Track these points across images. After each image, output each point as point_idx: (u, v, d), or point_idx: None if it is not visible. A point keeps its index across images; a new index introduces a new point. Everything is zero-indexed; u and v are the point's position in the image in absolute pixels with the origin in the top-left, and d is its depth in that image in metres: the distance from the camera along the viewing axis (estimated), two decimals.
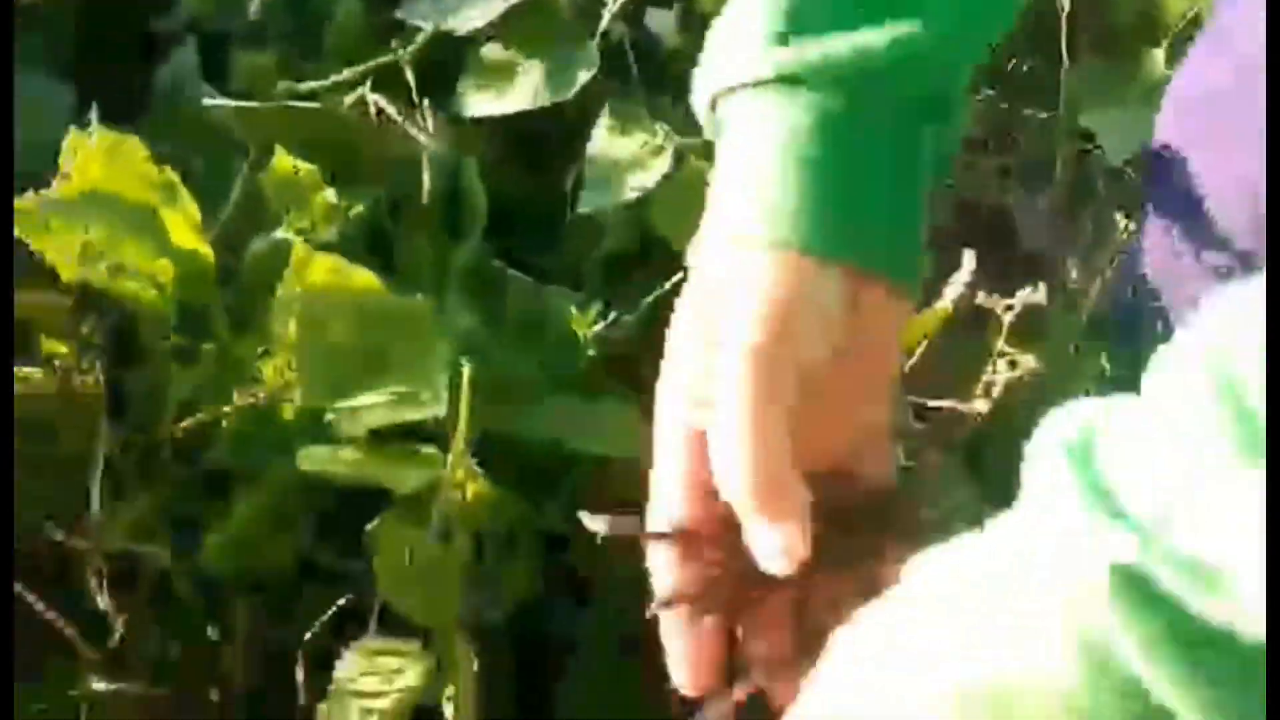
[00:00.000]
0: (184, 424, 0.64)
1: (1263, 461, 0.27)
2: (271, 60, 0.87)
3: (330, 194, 0.70)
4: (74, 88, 0.92)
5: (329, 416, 0.62)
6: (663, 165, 0.80)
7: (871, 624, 0.40)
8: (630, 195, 0.79)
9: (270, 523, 0.64)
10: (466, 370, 0.58)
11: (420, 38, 0.86)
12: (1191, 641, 0.30)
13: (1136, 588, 0.30)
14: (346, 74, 0.84)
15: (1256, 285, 0.28)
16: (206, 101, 0.78)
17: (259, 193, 0.71)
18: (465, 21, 0.85)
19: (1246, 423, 0.27)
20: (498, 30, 0.86)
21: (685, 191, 0.77)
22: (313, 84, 0.84)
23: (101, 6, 1.01)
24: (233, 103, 0.78)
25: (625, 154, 0.81)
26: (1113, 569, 0.30)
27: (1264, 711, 0.29)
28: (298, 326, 0.61)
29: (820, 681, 0.41)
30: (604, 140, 0.82)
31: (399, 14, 0.87)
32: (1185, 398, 0.29)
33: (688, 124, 0.64)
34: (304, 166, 0.69)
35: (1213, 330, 0.30)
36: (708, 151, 0.58)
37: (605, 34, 0.86)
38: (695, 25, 0.92)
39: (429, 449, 0.62)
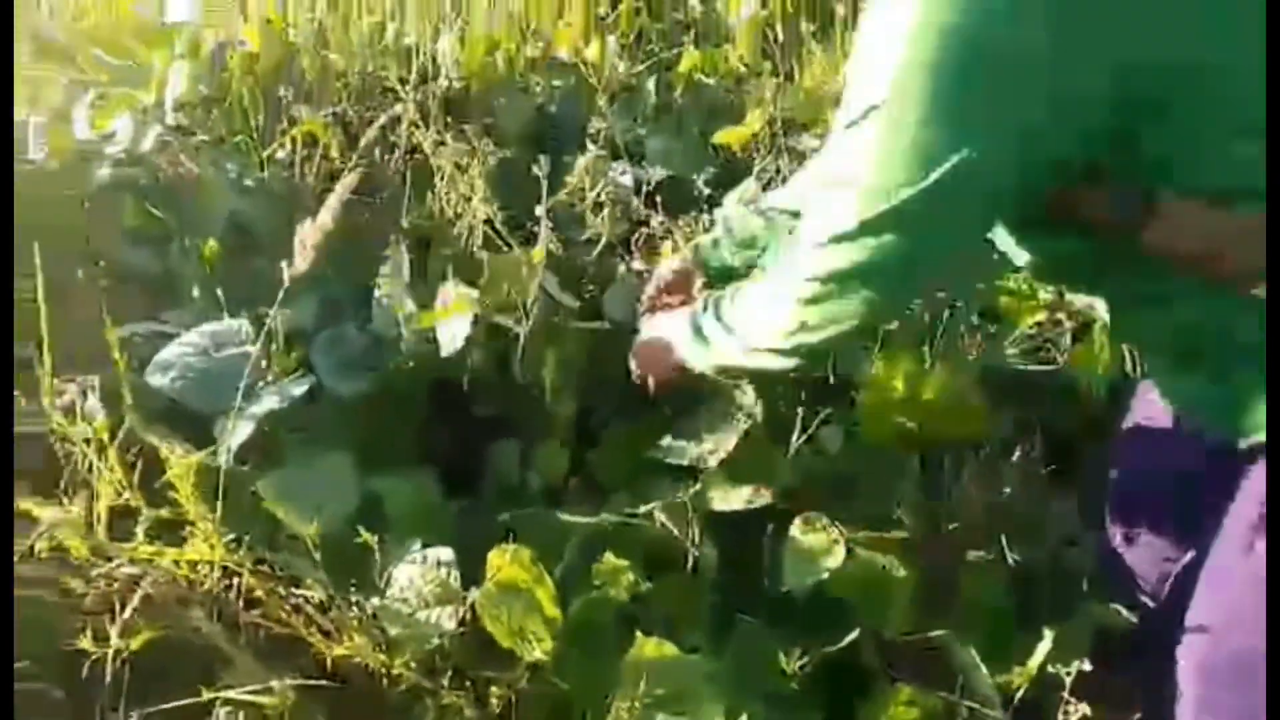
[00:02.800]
0: None
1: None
2: None
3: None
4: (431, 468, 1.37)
5: None
6: (839, 554, 1.21)
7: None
8: (821, 575, 1.19)
9: None
10: None
11: None
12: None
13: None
14: None
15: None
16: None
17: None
18: None
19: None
20: None
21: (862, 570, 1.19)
22: None
23: (443, 395, 1.48)
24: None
25: (815, 544, 1.22)
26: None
27: None
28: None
29: None
30: (798, 533, 1.23)
31: None
32: None
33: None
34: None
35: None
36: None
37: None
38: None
39: None
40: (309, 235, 0.99)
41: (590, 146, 1.96)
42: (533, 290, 1.37)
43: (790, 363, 1.07)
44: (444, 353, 1.37)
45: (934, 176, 0.84)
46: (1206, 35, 0.82)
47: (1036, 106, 0.82)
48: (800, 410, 1.29)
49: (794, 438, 1.29)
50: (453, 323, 1.35)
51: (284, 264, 1.06)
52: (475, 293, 1.36)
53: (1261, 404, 0.91)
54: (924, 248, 0.92)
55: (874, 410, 1.32)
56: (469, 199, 1.74)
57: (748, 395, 1.34)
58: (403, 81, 2.10)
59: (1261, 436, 0.92)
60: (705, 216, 1.84)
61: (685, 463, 1.29)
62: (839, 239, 0.91)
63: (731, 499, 1.25)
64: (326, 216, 0.99)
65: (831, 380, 1.40)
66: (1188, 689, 1.02)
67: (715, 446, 1.29)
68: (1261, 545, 0.92)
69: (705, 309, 1.17)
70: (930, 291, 1.46)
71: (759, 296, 1.10)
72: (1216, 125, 0.84)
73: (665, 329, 1.26)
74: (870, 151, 0.87)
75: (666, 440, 1.34)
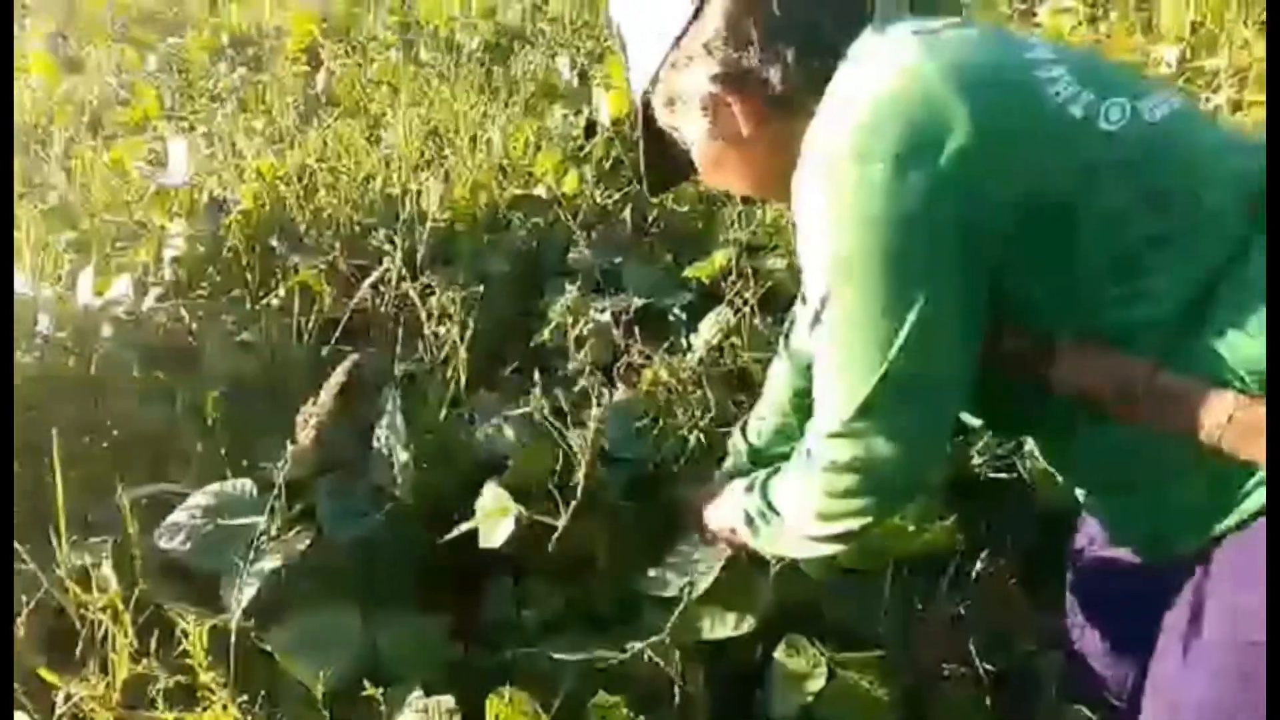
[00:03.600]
0: None
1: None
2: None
3: None
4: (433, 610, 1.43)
5: None
6: (822, 677, 1.27)
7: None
8: (807, 699, 1.26)
9: None
10: None
11: None
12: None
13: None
14: None
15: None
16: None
17: None
18: None
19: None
20: None
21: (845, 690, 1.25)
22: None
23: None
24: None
25: (799, 668, 1.28)
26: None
27: None
28: None
29: None
30: (783, 657, 1.30)
31: None
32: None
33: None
34: None
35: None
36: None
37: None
38: None
39: None
40: (311, 414, 1.07)
41: (568, 285, 2.06)
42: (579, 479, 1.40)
43: (839, 547, 1.11)
44: (481, 545, 1.39)
45: (896, 346, 0.91)
46: (1051, 175, 0.90)
47: (955, 255, 0.90)
48: None
49: (773, 561, 1.36)
50: (493, 527, 1.38)
51: (288, 441, 1.14)
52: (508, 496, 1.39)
53: (1193, 522, 0.97)
54: (916, 420, 0.97)
55: None
56: (457, 343, 1.83)
57: None
58: (390, 231, 2.22)
59: (1195, 546, 0.98)
60: (684, 342, 1.94)
61: (669, 594, 1.35)
62: (838, 434, 0.98)
63: (718, 628, 1.31)
64: (326, 397, 1.08)
65: None
66: None
67: (699, 577, 1.36)
68: (1195, 651, 0.98)
69: (751, 489, 1.20)
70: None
71: (792, 484, 1.13)
72: (1083, 265, 0.91)
73: (726, 516, 1.28)
74: (836, 343, 0.95)
75: (653, 572, 1.41)
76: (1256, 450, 0.88)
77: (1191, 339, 0.89)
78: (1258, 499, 0.91)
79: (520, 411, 1.59)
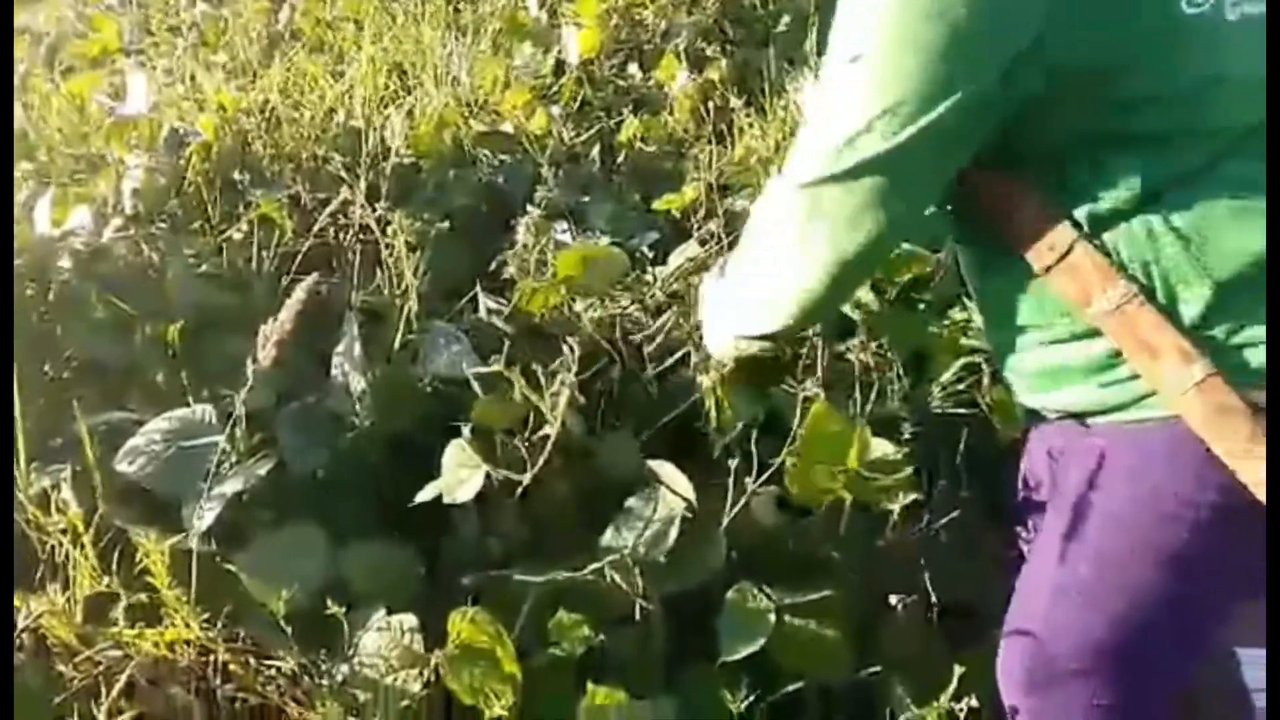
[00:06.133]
0: None
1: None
2: None
3: None
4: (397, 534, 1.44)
5: None
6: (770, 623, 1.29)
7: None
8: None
9: None
10: None
11: None
12: None
13: None
14: None
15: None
16: None
17: None
18: None
19: None
20: None
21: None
22: None
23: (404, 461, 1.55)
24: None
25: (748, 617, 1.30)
26: None
27: None
28: None
29: None
30: (731, 606, 1.32)
31: None
32: None
33: None
34: None
35: None
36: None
37: None
38: None
39: None
40: (271, 332, 1.07)
41: (535, 210, 2.05)
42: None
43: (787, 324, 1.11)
44: (446, 500, 1.39)
45: (929, 117, 0.91)
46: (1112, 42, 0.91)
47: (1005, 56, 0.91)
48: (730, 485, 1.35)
49: (726, 511, 1.37)
50: (459, 482, 1.38)
51: (249, 360, 1.14)
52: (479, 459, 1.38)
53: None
54: (908, 187, 0.98)
55: (803, 479, 1.37)
56: (416, 273, 1.82)
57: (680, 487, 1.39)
58: (353, 163, 2.19)
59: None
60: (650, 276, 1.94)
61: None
62: (823, 180, 0.98)
63: (671, 584, 1.32)
64: (286, 316, 1.08)
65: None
66: (1006, 700, 1.12)
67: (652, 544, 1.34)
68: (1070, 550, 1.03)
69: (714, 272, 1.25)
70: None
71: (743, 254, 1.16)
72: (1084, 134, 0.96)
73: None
74: (858, 92, 0.94)
75: (609, 532, 1.38)
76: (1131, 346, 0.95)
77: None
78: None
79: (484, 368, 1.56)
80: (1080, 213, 0.97)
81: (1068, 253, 0.96)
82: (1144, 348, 0.93)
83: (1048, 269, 0.98)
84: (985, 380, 1.63)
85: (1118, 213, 0.95)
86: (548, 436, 1.35)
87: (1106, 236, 0.96)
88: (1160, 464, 0.98)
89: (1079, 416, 1.05)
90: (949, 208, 1.12)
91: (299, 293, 1.12)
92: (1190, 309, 0.94)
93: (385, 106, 2.58)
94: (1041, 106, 0.94)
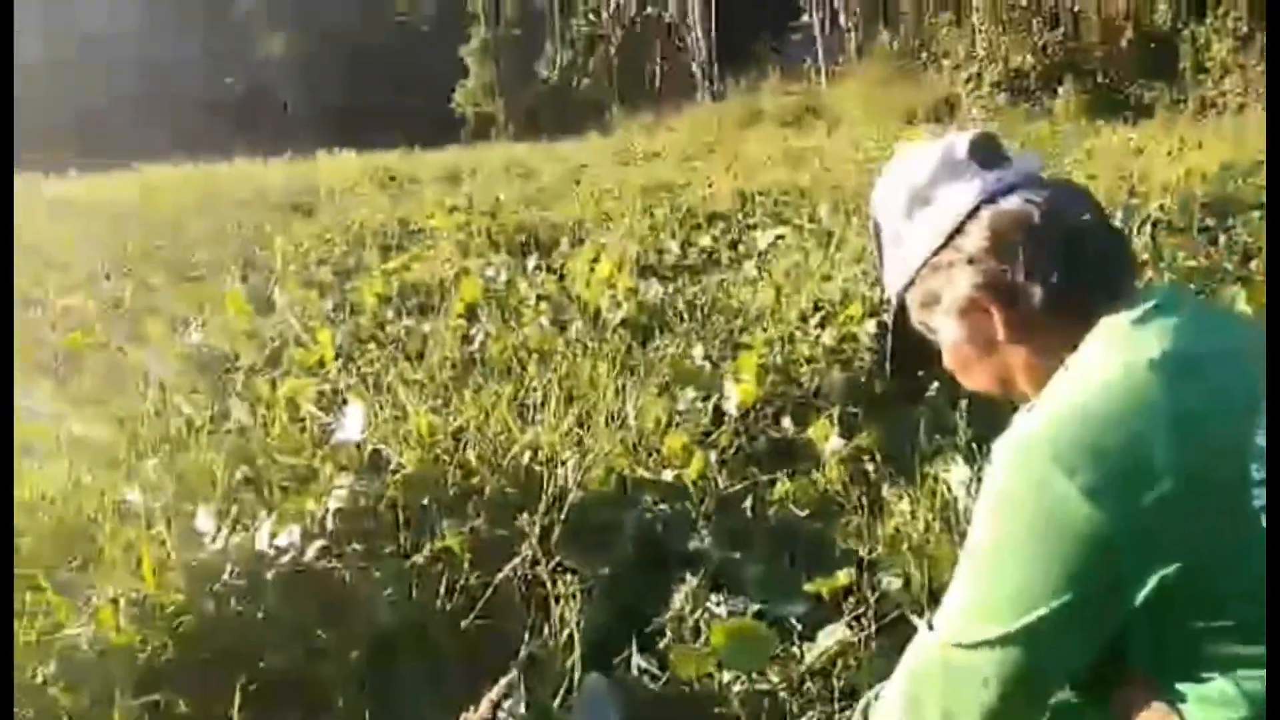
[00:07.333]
0: None
1: None
2: None
3: None
4: None
5: None
6: None
7: None
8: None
9: None
10: None
11: None
12: None
13: None
14: None
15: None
16: None
17: None
18: None
19: None
20: None
21: None
22: None
23: None
24: None
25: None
26: None
27: None
28: None
29: None
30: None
31: None
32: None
33: None
34: None
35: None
36: None
37: None
38: None
39: None
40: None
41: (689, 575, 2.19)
42: None
43: None
44: None
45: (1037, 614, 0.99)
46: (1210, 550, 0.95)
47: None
48: None
49: None
50: None
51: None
52: None
53: None
54: (1047, 663, 1.04)
55: None
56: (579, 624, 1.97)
57: None
58: (530, 499, 2.41)
59: None
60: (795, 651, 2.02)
61: None
62: (965, 646, 1.05)
63: None
64: (486, 709, 1.22)
65: None
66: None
67: None
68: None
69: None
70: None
71: (893, 699, 1.18)
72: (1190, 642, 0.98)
73: None
74: (984, 581, 1.04)
75: None
76: None
77: None
78: None
79: None
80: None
81: None
82: None
83: None
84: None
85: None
86: None
87: None
88: None
89: None
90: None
91: (498, 689, 1.27)
92: None
93: (561, 446, 2.83)
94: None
